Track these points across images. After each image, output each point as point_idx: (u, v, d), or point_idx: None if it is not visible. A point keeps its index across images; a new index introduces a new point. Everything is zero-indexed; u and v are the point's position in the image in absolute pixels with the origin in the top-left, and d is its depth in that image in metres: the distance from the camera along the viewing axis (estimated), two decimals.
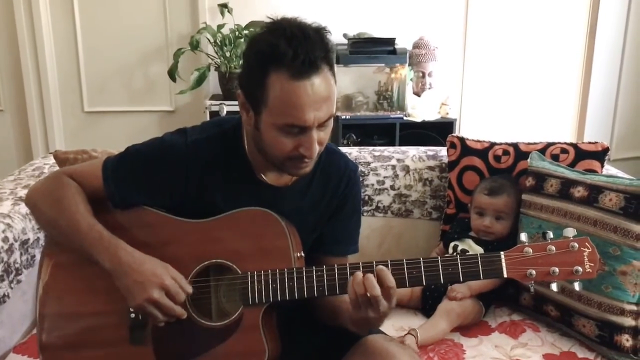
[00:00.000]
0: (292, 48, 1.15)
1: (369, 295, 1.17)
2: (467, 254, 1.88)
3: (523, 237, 1.24)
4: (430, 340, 1.71)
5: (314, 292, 1.26)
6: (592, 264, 1.20)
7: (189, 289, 1.28)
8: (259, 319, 1.28)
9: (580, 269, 1.19)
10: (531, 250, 1.21)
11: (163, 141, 1.36)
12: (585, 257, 1.20)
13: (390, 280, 1.19)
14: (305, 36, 1.17)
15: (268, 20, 1.24)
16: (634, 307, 1.64)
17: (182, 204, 1.35)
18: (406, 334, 1.69)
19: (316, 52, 1.17)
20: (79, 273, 1.35)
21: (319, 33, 1.20)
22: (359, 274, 1.20)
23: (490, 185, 1.95)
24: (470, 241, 1.95)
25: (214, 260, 1.31)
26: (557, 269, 1.20)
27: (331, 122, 1.25)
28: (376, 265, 1.21)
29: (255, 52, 1.21)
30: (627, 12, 3.73)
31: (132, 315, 1.30)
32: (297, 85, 1.16)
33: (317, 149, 1.23)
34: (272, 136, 1.23)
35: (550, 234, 1.23)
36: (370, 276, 1.19)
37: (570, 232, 1.22)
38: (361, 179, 2.06)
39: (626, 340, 1.63)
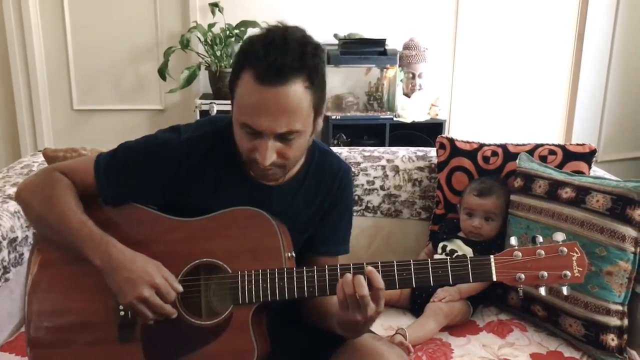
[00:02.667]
0: (264, 50, 1.16)
1: (357, 295, 1.18)
2: (457, 255, 1.91)
3: (513, 241, 1.24)
4: (418, 340, 1.72)
5: (305, 293, 1.26)
6: (581, 269, 1.21)
7: (180, 288, 1.28)
8: (248, 318, 1.28)
9: (568, 273, 1.21)
10: (520, 254, 1.22)
11: (156, 138, 1.36)
12: (574, 261, 1.21)
13: (379, 282, 1.20)
14: (283, 43, 1.17)
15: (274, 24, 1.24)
16: (620, 307, 1.66)
17: (173, 201, 1.35)
18: (395, 334, 1.70)
19: (287, 61, 1.16)
20: (68, 270, 1.34)
21: (301, 46, 1.18)
22: (349, 275, 1.21)
23: (479, 187, 1.96)
24: (459, 241, 1.97)
25: (204, 259, 1.31)
26: (545, 273, 1.21)
27: (299, 139, 1.23)
28: (366, 267, 1.22)
29: (239, 47, 1.24)
30: (614, 16, 3.77)
31: (122, 313, 1.30)
32: (259, 89, 1.17)
33: (271, 158, 1.22)
34: (236, 131, 1.25)
35: (540, 238, 1.23)
36: (360, 276, 1.19)
37: (559, 236, 1.23)
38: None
39: (612, 340, 1.64)
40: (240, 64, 1.20)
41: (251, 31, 3.32)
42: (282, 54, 1.16)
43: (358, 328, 1.23)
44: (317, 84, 1.21)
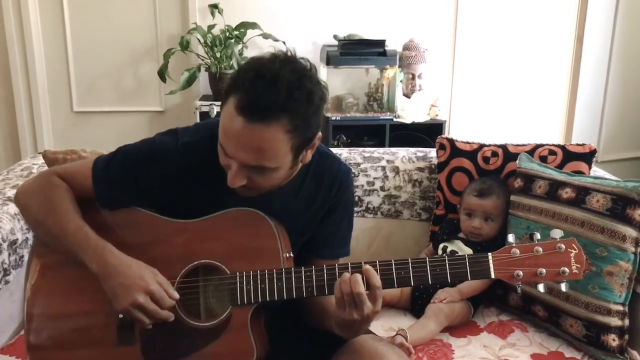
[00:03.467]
0: (251, 83, 1.14)
1: (353, 293, 1.18)
2: (456, 255, 1.90)
3: (510, 238, 1.24)
4: (419, 341, 1.72)
5: (303, 293, 1.26)
6: (579, 265, 1.21)
7: (176, 295, 1.28)
8: (247, 319, 1.28)
9: (566, 270, 1.21)
10: (518, 252, 1.22)
11: (154, 142, 1.36)
12: (572, 258, 1.21)
13: (377, 280, 1.20)
14: (272, 82, 1.13)
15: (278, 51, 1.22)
16: (621, 307, 1.65)
17: (171, 204, 1.35)
18: (395, 335, 1.70)
19: (270, 102, 1.13)
20: (67, 273, 1.34)
21: (290, 90, 1.14)
22: (347, 273, 1.21)
23: (479, 187, 1.96)
24: (459, 242, 1.96)
25: (202, 261, 1.31)
26: (544, 270, 1.21)
27: (271, 173, 1.22)
28: (364, 265, 1.22)
29: (236, 72, 1.22)
30: (614, 17, 3.77)
31: (121, 315, 1.30)
32: (237, 118, 1.15)
33: (239, 183, 1.22)
34: (219, 142, 1.24)
35: (538, 235, 1.24)
36: (357, 274, 1.20)
37: (557, 233, 1.23)
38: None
39: (613, 340, 1.64)
40: (231, 85, 1.19)
41: (251, 33, 3.35)
42: (267, 92, 1.13)
43: (355, 327, 1.23)
44: (301, 129, 1.18)
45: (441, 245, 1.99)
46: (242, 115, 1.14)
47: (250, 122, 1.14)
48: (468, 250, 1.93)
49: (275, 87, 1.13)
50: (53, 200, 1.32)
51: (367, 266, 1.22)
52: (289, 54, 1.21)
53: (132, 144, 1.38)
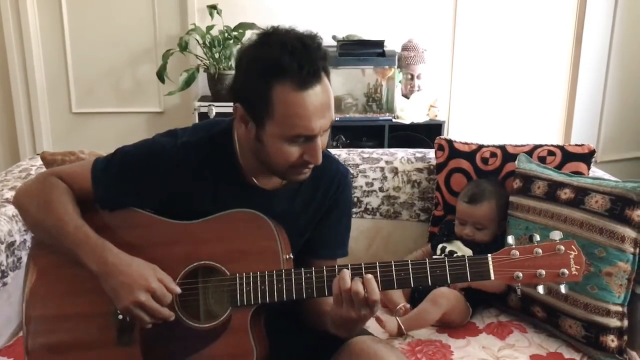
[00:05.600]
0: (296, 60, 1.16)
1: (351, 290, 1.18)
2: (455, 255, 1.90)
3: (510, 239, 1.24)
4: (416, 326, 1.75)
5: (303, 294, 1.26)
6: (578, 267, 1.21)
7: (177, 290, 1.28)
8: (247, 320, 1.28)
9: (566, 271, 1.20)
10: (518, 253, 1.22)
11: (153, 143, 1.36)
12: (572, 259, 1.21)
13: (374, 293, 1.19)
14: (305, 47, 1.19)
15: (259, 32, 1.24)
16: (619, 308, 1.65)
17: (171, 205, 1.35)
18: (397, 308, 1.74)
19: (317, 62, 1.19)
20: (66, 275, 1.34)
21: (315, 41, 1.22)
22: (346, 270, 1.21)
23: (471, 192, 1.94)
24: (458, 242, 1.96)
25: (202, 262, 1.31)
26: (543, 272, 1.20)
27: (330, 127, 1.28)
28: (365, 270, 1.22)
29: (256, 66, 1.21)
30: (612, 17, 3.77)
31: (120, 317, 1.30)
32: (304, 95, 1.18)
33: (321, 154, 1.26)
34: (277, 147, 1.23)
35: (537, 237, 1.23)
36: (356, 278, 1.20)
37: (556, 235, 1.23)
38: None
39: (611, 341, 1.64)
40: (268, 82, 1.18)
41: (249, 33, 3.34)
42: (311, 57, 1.18)
43: (351, 325, 1.24)
44: (328, 70, 1.25)
45: (440, 246, 1.99)
46: (307, 89, 1.18)
47: (314, 87, 1.19)
48: (467, 251, 1.92)
49: (310, 49, 1.19)
50: (52, 201, 1.32)
51: (369, 276, 1.21)
52: (267, 27, 1.25)
53: (131, 144, 1.38)
